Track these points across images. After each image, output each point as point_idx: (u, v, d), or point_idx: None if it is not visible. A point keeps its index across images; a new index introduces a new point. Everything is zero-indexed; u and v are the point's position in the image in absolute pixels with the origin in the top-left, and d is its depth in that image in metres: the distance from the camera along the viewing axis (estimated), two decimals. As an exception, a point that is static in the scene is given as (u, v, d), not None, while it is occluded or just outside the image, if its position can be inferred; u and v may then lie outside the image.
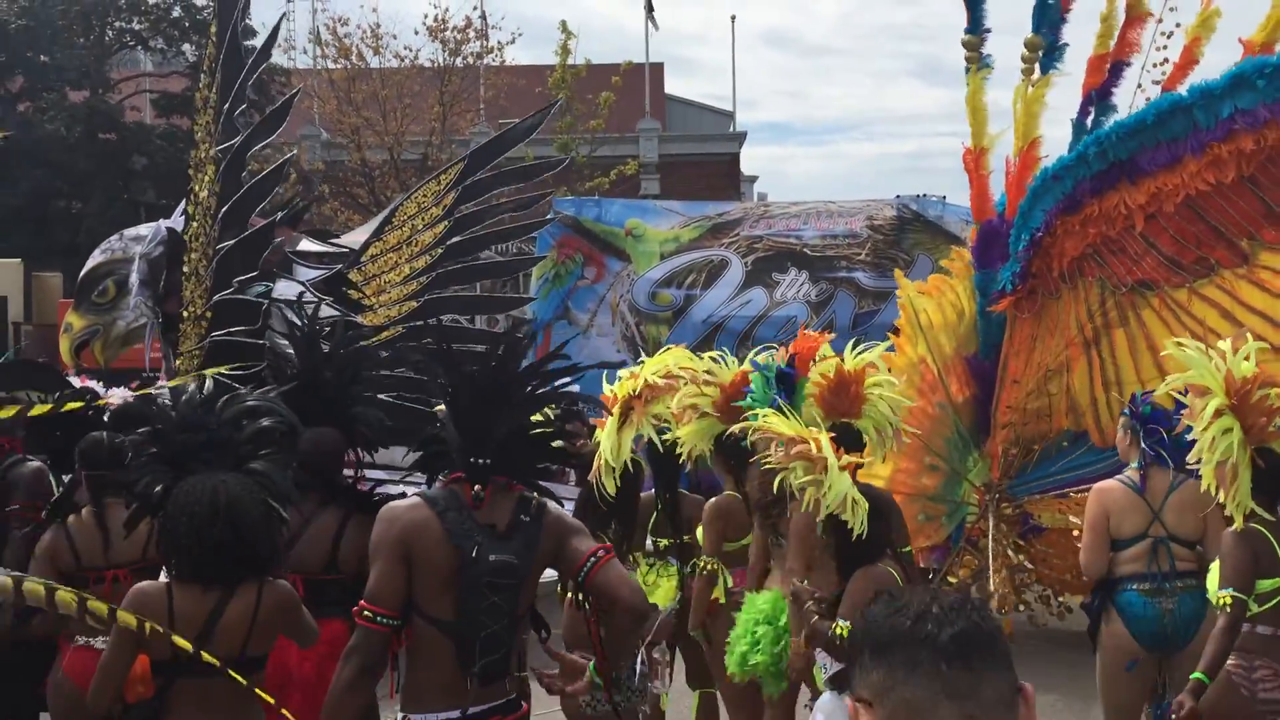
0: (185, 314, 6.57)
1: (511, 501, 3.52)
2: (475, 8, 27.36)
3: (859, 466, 5.23)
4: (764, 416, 4.64)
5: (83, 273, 7.30)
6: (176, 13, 26.37)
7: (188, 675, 3.49)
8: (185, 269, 6.62)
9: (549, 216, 12.00)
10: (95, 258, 7.19)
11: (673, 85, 43.43)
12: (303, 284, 6.68)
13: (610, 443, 4.68)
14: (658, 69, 31.89)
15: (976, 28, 8.06)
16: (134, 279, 6.86)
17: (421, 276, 6.91)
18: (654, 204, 16.86)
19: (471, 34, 26.72)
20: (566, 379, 4.27)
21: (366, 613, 3.36)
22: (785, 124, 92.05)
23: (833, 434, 4.62)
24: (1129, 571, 5.39)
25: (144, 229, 7.29)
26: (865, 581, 4.28)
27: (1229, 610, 4.53)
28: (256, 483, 3.70)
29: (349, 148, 25.71)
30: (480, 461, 3.50)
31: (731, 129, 32.02)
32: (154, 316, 6.88)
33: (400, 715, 3.47)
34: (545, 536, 3.53)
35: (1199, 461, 4.63)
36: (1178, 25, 7.90)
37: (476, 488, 3.46)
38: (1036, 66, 8.05)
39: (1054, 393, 7.80)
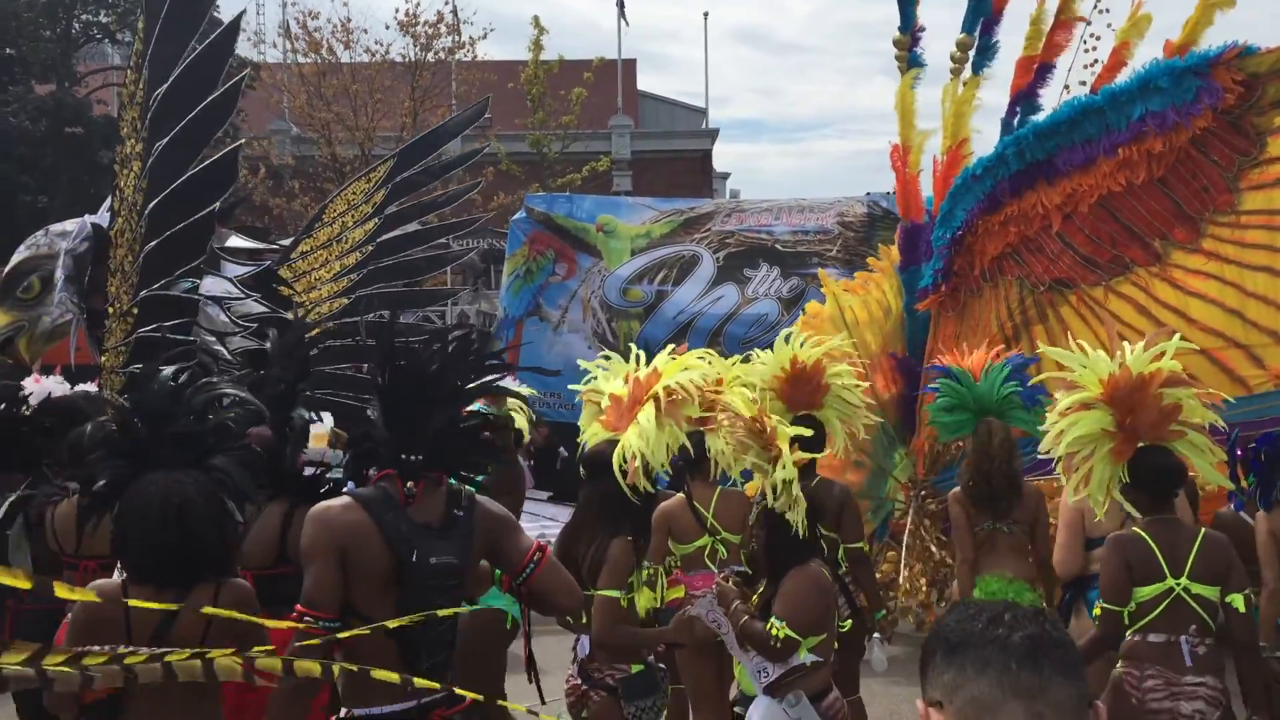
0: (111, 310, 6.59)
1: (442, 496, 3.49)
2: (447, 2, 27.39)
3: (811, 464, 5.34)
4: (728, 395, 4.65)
5: (7, 269, 7.28)
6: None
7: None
8: (110, 265, 6.64)
9: (486, 214, 12.03)
10: (20, 253, 7.18)
11: (645, 82, 43.59)
12: (231, 280, 6.70)
13: (649, 442, 4.46)
14: (630, 65, 31.95)
15: (907, 26, 8.19)
16: (59, 275, 6.87)
17: (352, 274, 6.95)
18: (626, 200, 16.91)
19: (443, 29, 26.65)
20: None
21: (307, 618, 3.31)
22: (757, 121, 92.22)
23: (797, 428, 4.58)
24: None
25: (69, 224, 7.29)
26: (802, 581, 4.25)
27: (1098, 622, 4.57)
28: (214, 480, 3.60)
29: (320, 143, 25.64)
30: (412, 457, 3.46)
31: (704, 126, 32.06)
32: (79, 312, 6.90)
33: (344, 712, 3.43)
34: (479, 531, 3.52)
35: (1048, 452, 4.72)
36: (1109, 26, 8.06)
37: (409, 484, 3.43)
38: (967, 67, 8.18)
39: (978, 387, 7.91)
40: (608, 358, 5.35)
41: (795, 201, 14.68)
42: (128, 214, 6.85)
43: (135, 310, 6.76)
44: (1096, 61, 7.92)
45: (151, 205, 6.93)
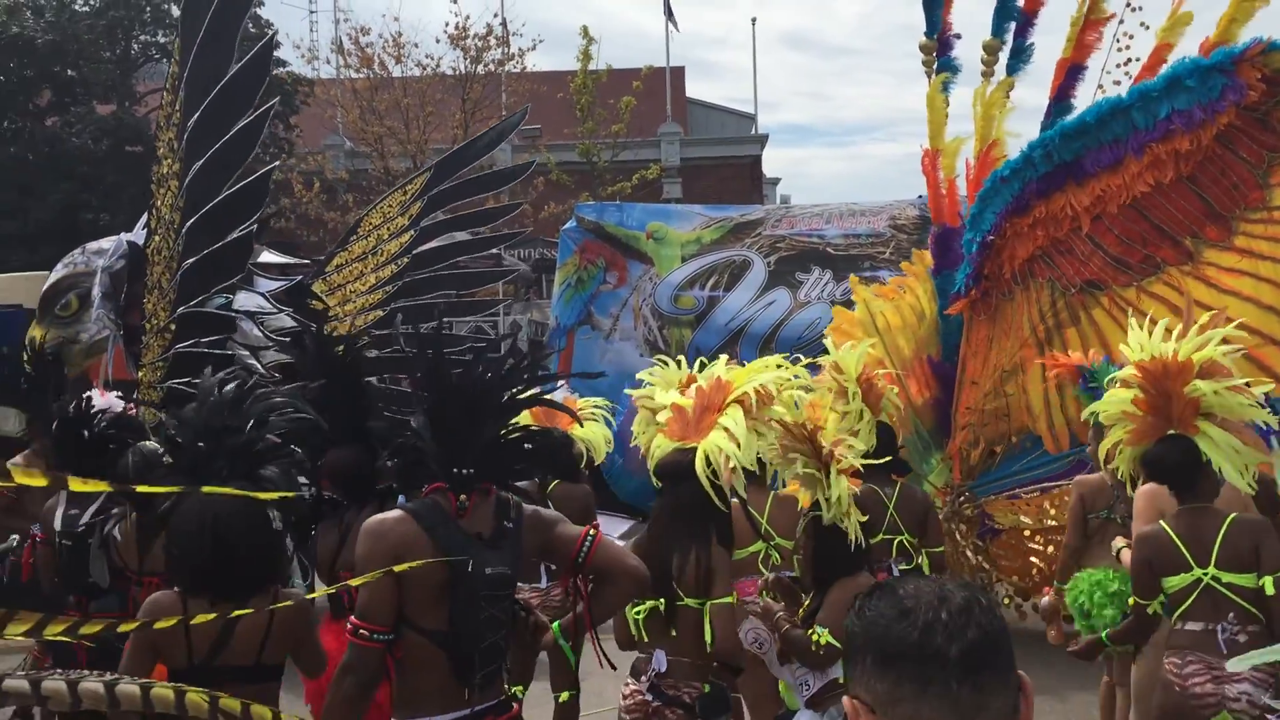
0: (148, 326, 6.76)
1: (492, 507, 3.53)
2: (496, 15, 27.55)
3: (902, 469, 5.40)
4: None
5: (45, 287, 7.48)
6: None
7: (205, 683, 3.44)
8: (148, 282, 6.80)
9: (528, 228, 12.10)
10: (58, 272, 7.38)
11: (694, 89, 43.66)
12: (264, 295, 6.85)
13: (741, 444, 4.38)
14: (679, 73, 32.04)
15: (933, 31, 8.17)
16: (96, 292, 7.05)
17: (387, 286, 7.05)
18: (676, 207, 16.96)
19: (493, 41, 26.93)
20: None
21: (361, 631, 3.36)
22: (807, 126, 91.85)
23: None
24: None
25: (105, 243, 7.48)
26: (849, 591, 4.17)
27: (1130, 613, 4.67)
28: (260, 491, 3.56)
29: (373, 157, 26.00)
30: (464, 471, 3.49)
31: (753, 131, 32.06)
32: (116, 329, 7.08)
33: None
34: (527, 537, 3.55)
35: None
36: (1143, 25, 7.96)
37: (462, 498, 3.46)
38: (997, 69, 8.14)
39: (1011, 393, 7.88)
40: (664, 363, 5.34)
41: (846, 205, 14.63)
42: (165, 232, 7.02)
43: (173, 326, 6.92)
44: (1130, 61, 7.83)
45: (189, 224, 7.10)
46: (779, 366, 4.88)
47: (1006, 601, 8.43)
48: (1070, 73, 7.94)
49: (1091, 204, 7.33)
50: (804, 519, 4.43)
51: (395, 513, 3.50)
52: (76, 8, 26.19)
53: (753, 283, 13.57)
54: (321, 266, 7.24)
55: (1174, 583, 4.50)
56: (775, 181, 36.99)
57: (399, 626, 3.39)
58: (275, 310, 6.73)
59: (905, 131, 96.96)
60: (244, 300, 6.90)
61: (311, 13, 31.26)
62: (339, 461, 4.84)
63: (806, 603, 4.39)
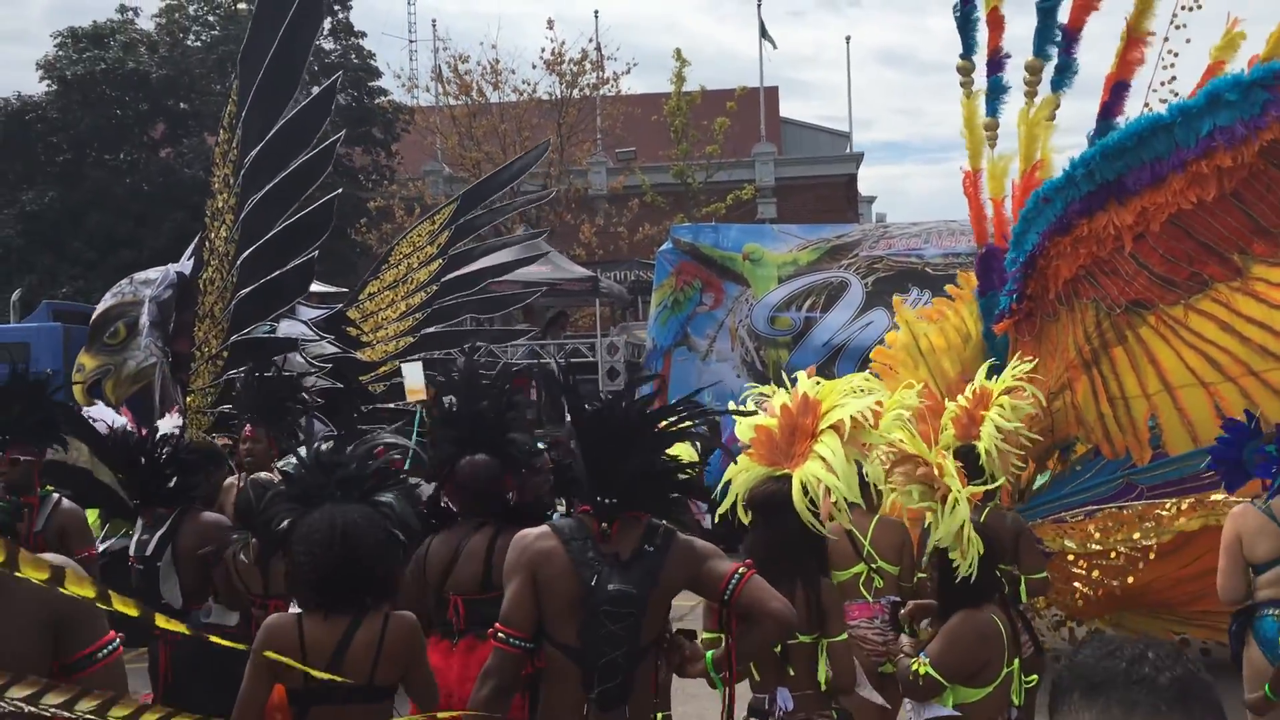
0: (199, 353, 7.06)
1: (638, 531, 3.61)
2: (591, 40, 27.91)
3: (990, 495, 5.23)
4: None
5: (94, 316, 7.84)
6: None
7: (322, 703, 3.59)
8: (199, 311, 7.11)
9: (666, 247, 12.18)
10: (106, 301, 7.73)
11: (787, 108, 43.48)
12: (305, 323, 7.10)
13: (841, 473, 4.15)
14: (772, 92, 32.04)
15: (969, 52, 8.12)
16: (144, 321, 7.36)
17: (417, 313, 7.25)
18: (771, 228, 16.99)
19: (588, 66, 27.29)
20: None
21: (500, 635, 3.53)
22: (902, 143, 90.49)
23: (957, 460, 4.47)
24: (1266, 597, 5.27)
25: (152, 273, 7.82)
26: (965, 624, 4.16)
27: None
28: (378, 512, 3.80)
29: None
30: (608, 501, 3.59)
31: (848, 150, 31.91)
32: (164, 356, 7.38)
33: None
34: (672, 564, 3.59)
35: None
36: (1188, 41, 7.82)
37: (604, 525, 3.58)
38: (1040, 89, 8.06)
39: (1058, 408, 7.75)
40: (766, 395, 5.18)
41: (944, 224, 14.51)
42: (219, 264, 7.32)
43: (225, 354, 7.21)
44: (1174, 79, 7.68)
45: (244, 256, 7.40)
46: (863, 390, 4.54)
47: (1067, 625, 8.27)
48: (1116, 90, 7.82)
49: (1134, 222, 7.17)
50: (929, 548, 4.37)
51: (542, 527, 3.68)
52: (189, 44, 27.28)
53: (850, 303, 13.60)
54: (355, 294, 7.47)
55: None
56: (871, 200, 36.69)
57: (538, 638, 3.55)
58: (317, 337, 6.95)
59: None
60: (286, 328, 7.16)
61: (411, 42, 32.06)
62: (470, 470, 4.85)
63: (930, 633, 4.33)
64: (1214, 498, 7.03)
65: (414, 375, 5.64)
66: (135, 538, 5.47)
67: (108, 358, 7.58)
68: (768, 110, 30.75)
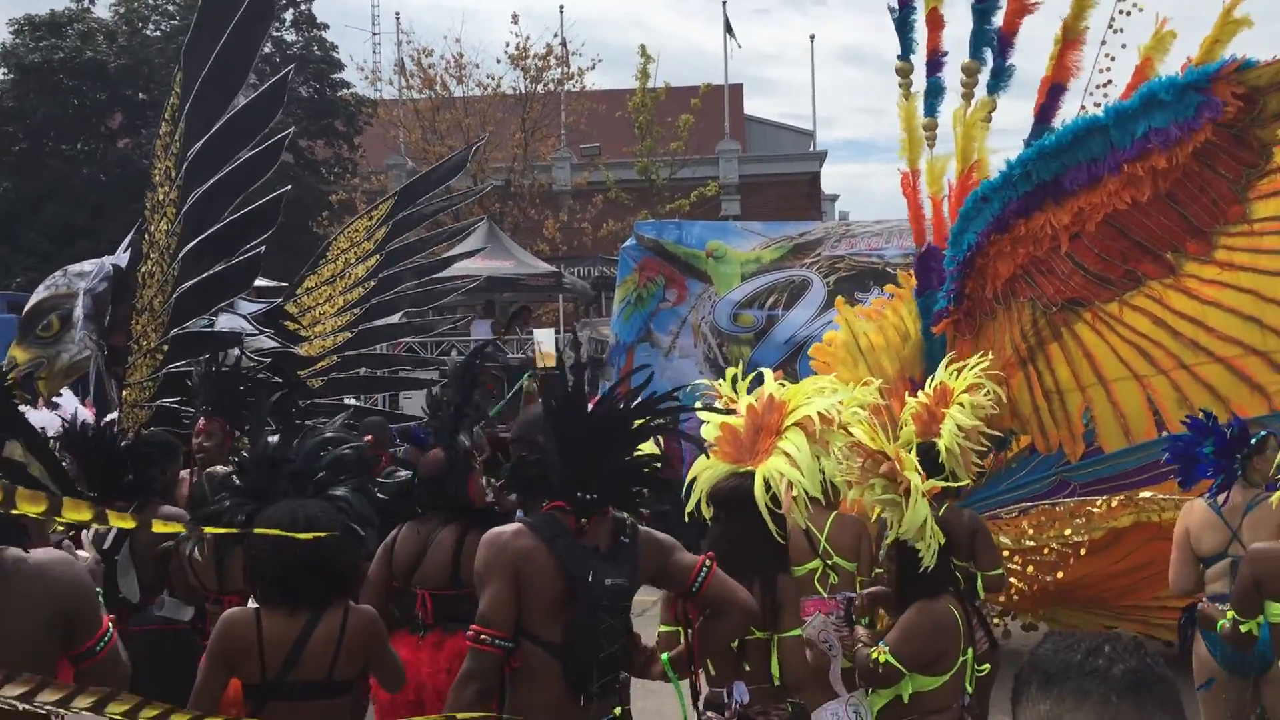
0: (136, 347, 7.02)
1: (609, 524, 3.59)
2: (556, 35, 27.91)
3: (949, 489, 5.29)
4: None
5: (26, 308, 7.76)
6: (268, 49, 27.56)
7: (279, 698, 3.56)
8: (137, 304, 7.06)
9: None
10: (39, 294, 7.64)
11: (752, 106, 43.61)
12: (245, 317, 7.07)
13: (805, 470, 4.18)
14: (737, 90, 32.14)
15: (906, 53, 8.19)
16: (78, 313, 7.31)
17: (355, 308, 7.24)
18: (735, 225, 17.02)
19: (552, 61, 27.29)
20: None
21: (483, 636, 3.41)
22: (866, 141, 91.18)
23: (918, 457, 4.52)
24: (1213, 591, 5.35)
25: (87, 265, 7.74)
26: (923, 614, 4.21)
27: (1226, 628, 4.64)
28: (335, 506, 3.79)
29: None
30: (588, 496, 3.55)
31: (811, 148, 32.06)
32: (99, 350, 7.34)
33: None
34: (643, 557, 3.61)
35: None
36: (1123, 46, 7.93)
37: (583, 520, 3.53)
38: (976, 91, 8.14)
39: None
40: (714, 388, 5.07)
41: (905, 222, 14.56)
42: (159, 257, 7.27)
43: (165, 347, 7.17)
44: (1110, 83, 7.79)
45: (186, 249, 7.35)
46: (834, 390, 4.61)
47: (997, 622, 8.36)
48: (1052, 92, 7.91)
49: (1071, 222, 7.27)
50: (886, 541, 4.39)
51: (514, 525, 3.58)
52: (148, 33, 27.06)
53: (812, 302, 13.61)
54: (292, 289, 7.45)
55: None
56: (834, 198, 36.90)
57: (516, 637, 3.45)
58: (256, 332, 6.93)
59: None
60: (225, 322, 7.13)
61: (374, 35, 32.08)
62: (424, 464, 4.92)
63: (886, 622, 4.40)
64: (1143, 495, 7.16)
65: (547, 341, 5.56)
66: (91, 531, 5.44)
67: (40, 350, 7.51)
68: (732, 107, 30.83)
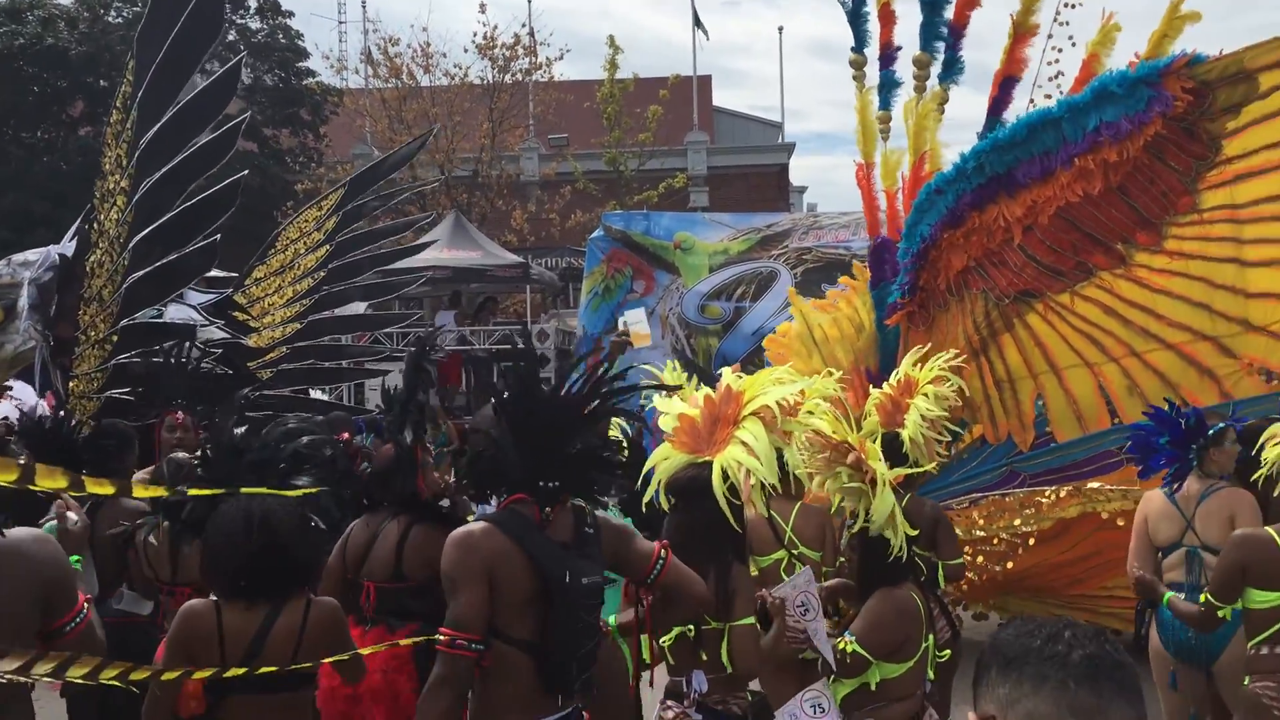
0: (84, 337, 6.96)
1: (570, 515, 3.57)
2: (524, 25, 27.80)
3: (911, 479, 5.33)
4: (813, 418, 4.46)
5: None
6: (231, 36, 27.32)
7: (238, 691, 3.51)
8: (85, 294, 7.00)
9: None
10: None
11: (720, 97, 43.58)
12: (194, 308, 7.02)
13: (763, 459, 4.19)
14: (705, 81, 32.13)
15: (860, 45, 8.22)
16: (23, 303, 7.24)
17: (304, 299, 7.19)
18: (703, 217, 17.05)
19: (520, 51, 27.18)
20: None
21: (459, 641, 3.33)
22: (834, 134, 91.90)
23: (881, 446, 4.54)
24: (1169, 580, 5.39)
25: (32, 254, 7.69)
26: (886, 602, 4.24)
27: (1201, 610, 4.63)
28: (294, 499, 3.75)
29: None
30: (550, 484, 3.52)
31: (780, 140, 32.10)
32: (44, 340, 7.27)
33: None
34: (605, 545, 3.60)
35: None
36: (1070, 40, 7.98)
37: (546, 510, 3.50)
38: (929, 84, 8.17)
39: (948, 395, 7.87)
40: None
41: (872, 214, 14.65)
42: (108, 246, 7.22)
43: (115, 338, 7.11)
44: (1059, 75, 7.85)
45: (137, 238, 7.29)
46: (792, 380, 4.59)
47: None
48: (1004, 85, 7.94)
49: (1024, 215, 7.32)
50: (849, 531, 4.39)
51: (481, 524, 3.50)
52: (109, 20, 26.78)
53: (780, 293, 13.69)
54: (240, 280, 7.40)
55: (1262, 598, 4.43)
56: (802, 190, 37.05)
57: (487, 637, 3.40)
58: (206, 322, 6.88)
59: (954, 139, 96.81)
60: (174, 313, 7.08)
61: (340, 23, 31.89)
62: (383, 457, 4.93)
63: (850, 612, 4.38)
64: (1091, 485, 7.22)
65: (638, 321, 5.43)
66: (47, 524, 5.38)
67: (-16, 341, 7.44)
68: (700, 99, 30.82)
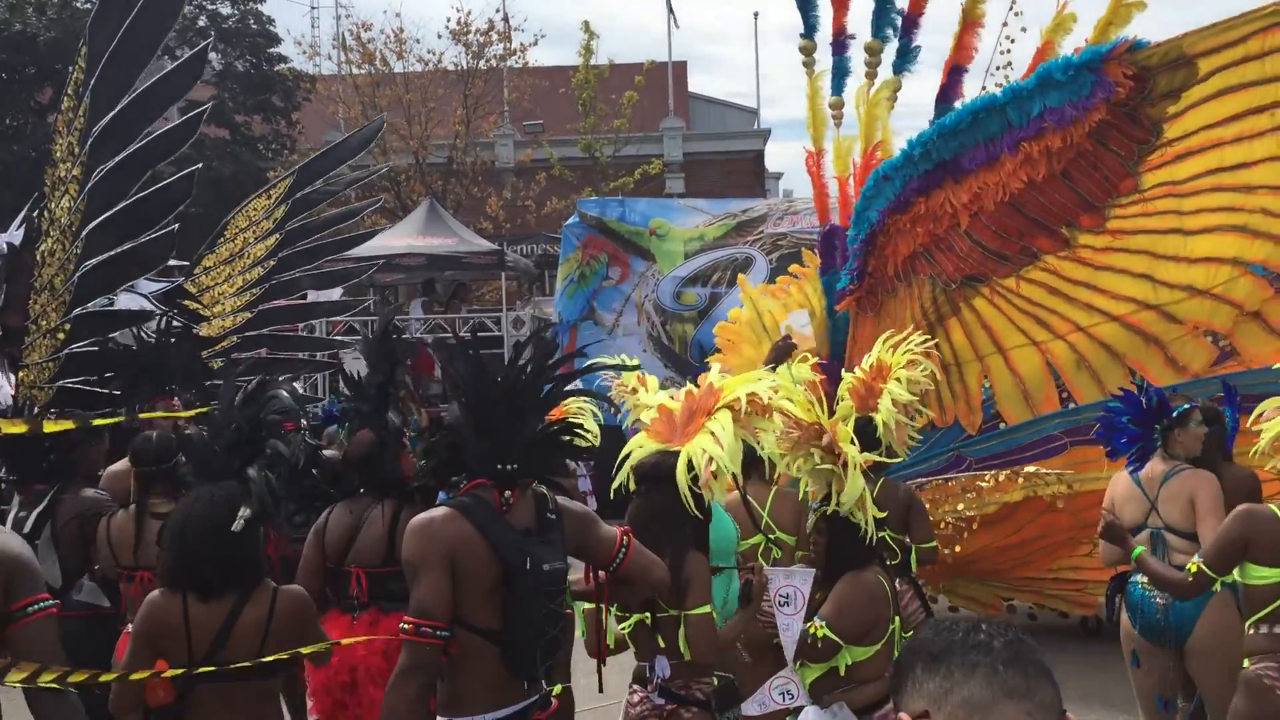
0: (34, 327, 6.96)
1: (531, 501, 3.55)
2: (498, 10, 27.74)
3: (881, 465, 5.37)
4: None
5: None
6: (202, 22, 27.15)
7: (207, 680, 3.52)
8: (36, 283, 7.00)
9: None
10: None
11: (696, 83, 43.53)
12: (145, 296, 7.03)
13: (727, 449, 4.19)
14: (681, 67, 32.08)
15: (810, 32, 8.28)
16: (-33, 293, 7.24)
17: (254, 288, 7.20)
18: (678, 203, 17.05)
19: (494, 36, 27.09)
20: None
21: (424, 629, 3.30)
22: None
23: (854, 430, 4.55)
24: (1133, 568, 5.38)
25: (-24, 245, 7.68)
26: (854, 586, 4.25)
27: (1192, 578, 4.58)
28: (242, 492, 3.74)
29: (374, 152, 26.18)
30: (508, 467, 3.51)
31: (755, 126, 32.04)
32: (-11, 330, 7.27)
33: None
34: (568, 531, 3.60)
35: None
36: (1023, 30, 8.07)
37: (505, 494, 3.48)
38: (880, 70, 8.23)
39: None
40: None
41: (846, 202, 14.71)
42: (60, 235, 7.20)
43: (66, 327, 7.10)
44: (1010, 64, 7.93)
45: (90, 226, 7.26)
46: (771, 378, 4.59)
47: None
48: (953, 73, 8.01)
49: (970, 201, 7.41)
50: (815, 514, 4.39)
51: (442, 510, 3.48)
52: (78, 4, 26.54)
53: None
54: (190, 268, 7.40)
55: (1263, 573, 4.41)
56: (778, 176, 36.95)
57: (450, 625, 3.37)
58: (157, 312, 6.89)
59: (908, 126, 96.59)
60: (125, 301, 7.08)
61: (313, 8, 31.56)
62: (363, 444, 4.96)
63: (817, 596, 4.35)
64: (1028, 470, 7.31)
65: (804, 325, 5.17)
66: (11, 515, 5.39)
67: (-70, 332, 7.42)
68: (676, 85, 30.77)
